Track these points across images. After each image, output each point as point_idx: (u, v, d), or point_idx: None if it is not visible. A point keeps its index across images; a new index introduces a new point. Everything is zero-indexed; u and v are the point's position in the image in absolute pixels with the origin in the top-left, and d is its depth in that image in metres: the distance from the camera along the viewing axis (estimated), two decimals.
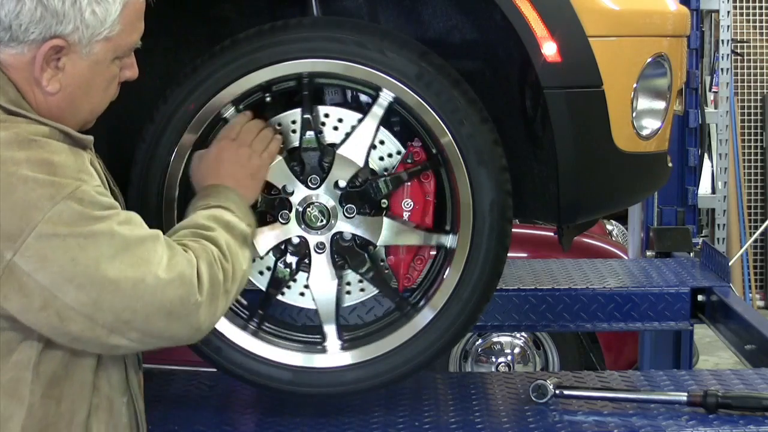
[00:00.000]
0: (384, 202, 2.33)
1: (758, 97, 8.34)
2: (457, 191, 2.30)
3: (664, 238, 4.34)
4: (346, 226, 2.32)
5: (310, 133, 2.29)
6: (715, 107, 5.76)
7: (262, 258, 2.37)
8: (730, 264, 3.59)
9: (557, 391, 2.48)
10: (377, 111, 2.29)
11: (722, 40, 5.52)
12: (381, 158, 2.34)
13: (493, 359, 4.88)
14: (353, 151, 2.29)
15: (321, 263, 2.35)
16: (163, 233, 1.85)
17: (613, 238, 5.67)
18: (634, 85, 2.34)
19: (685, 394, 2.42)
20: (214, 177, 2.11)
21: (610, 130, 2.30)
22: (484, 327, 3.67)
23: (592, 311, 3.32)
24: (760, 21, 8.39)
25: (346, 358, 2.38)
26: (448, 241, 2.35)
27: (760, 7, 8.37)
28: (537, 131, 2.39)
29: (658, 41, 2.40)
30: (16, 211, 1.67)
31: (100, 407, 1.88)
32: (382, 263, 2.37)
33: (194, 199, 2.09)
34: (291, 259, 2.38)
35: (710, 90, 6.73)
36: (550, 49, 2.22)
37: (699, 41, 4.70)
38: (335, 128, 2.32)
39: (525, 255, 4.72)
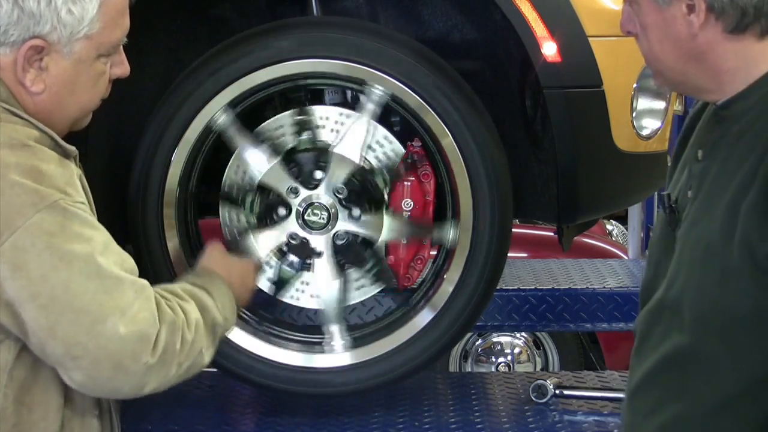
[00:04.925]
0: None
1: None
2: (456, 191, 2.30)
3: None
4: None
5: None
6: None
7: None
8: None
9: (557, 391, 2.48)
10: None
11: None
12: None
13: (493, 359, 4.87)
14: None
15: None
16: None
17: (613, 238, 5.66)
18: (634, 85, 2.34)
19: None
20: (216, 266, 2.09)
21: (610, 130, 2.30)
22: (484, 327, 3.67)
23: (592, 311, 3.31)
24: None
25: (346, 359, 2.38)
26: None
27: None
28: (537, 131, 2.39)
29: None
30: None
31: (74, 420, 1.85)
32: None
33: (187, 274, 2.07)
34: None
35: None
36: (550, 49, 2.22)
37: None
38: None
39: (525, 255, 4.72)
